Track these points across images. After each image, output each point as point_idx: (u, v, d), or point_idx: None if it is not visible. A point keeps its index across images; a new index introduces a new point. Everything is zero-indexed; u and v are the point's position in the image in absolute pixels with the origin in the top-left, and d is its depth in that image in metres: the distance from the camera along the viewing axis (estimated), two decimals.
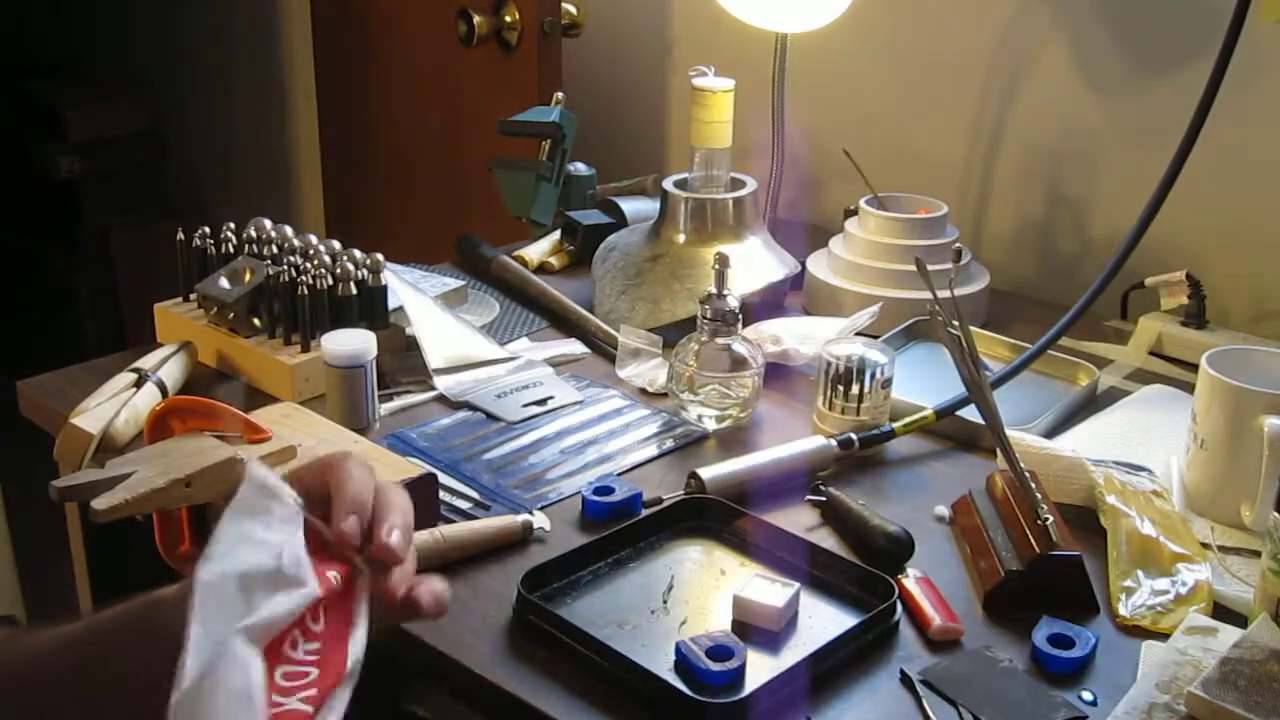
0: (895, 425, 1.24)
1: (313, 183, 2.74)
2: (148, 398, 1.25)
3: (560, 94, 1.75)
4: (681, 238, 1.52)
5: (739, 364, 1.27)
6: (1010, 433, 1.13)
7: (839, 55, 1.83)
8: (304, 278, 1.32)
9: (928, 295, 1.19)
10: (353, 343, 1.25)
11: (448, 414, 1.31)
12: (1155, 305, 1.52)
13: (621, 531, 1.07)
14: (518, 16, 2.00)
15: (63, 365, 1.38)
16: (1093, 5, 1.63)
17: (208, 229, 1.43)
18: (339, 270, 1.35)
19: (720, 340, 1.27)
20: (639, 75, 2.16)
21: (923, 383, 1.35)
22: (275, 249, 1.40)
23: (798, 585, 0.99)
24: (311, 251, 1.39)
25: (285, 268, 1.34)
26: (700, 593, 1.02)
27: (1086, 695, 0.91)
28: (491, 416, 1.30)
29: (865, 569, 1.02)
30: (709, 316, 1.27)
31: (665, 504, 1.12)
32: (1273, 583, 0.93)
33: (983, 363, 1.20)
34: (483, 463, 1.21)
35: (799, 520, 1.13)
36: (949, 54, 1.77)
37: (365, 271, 1.37)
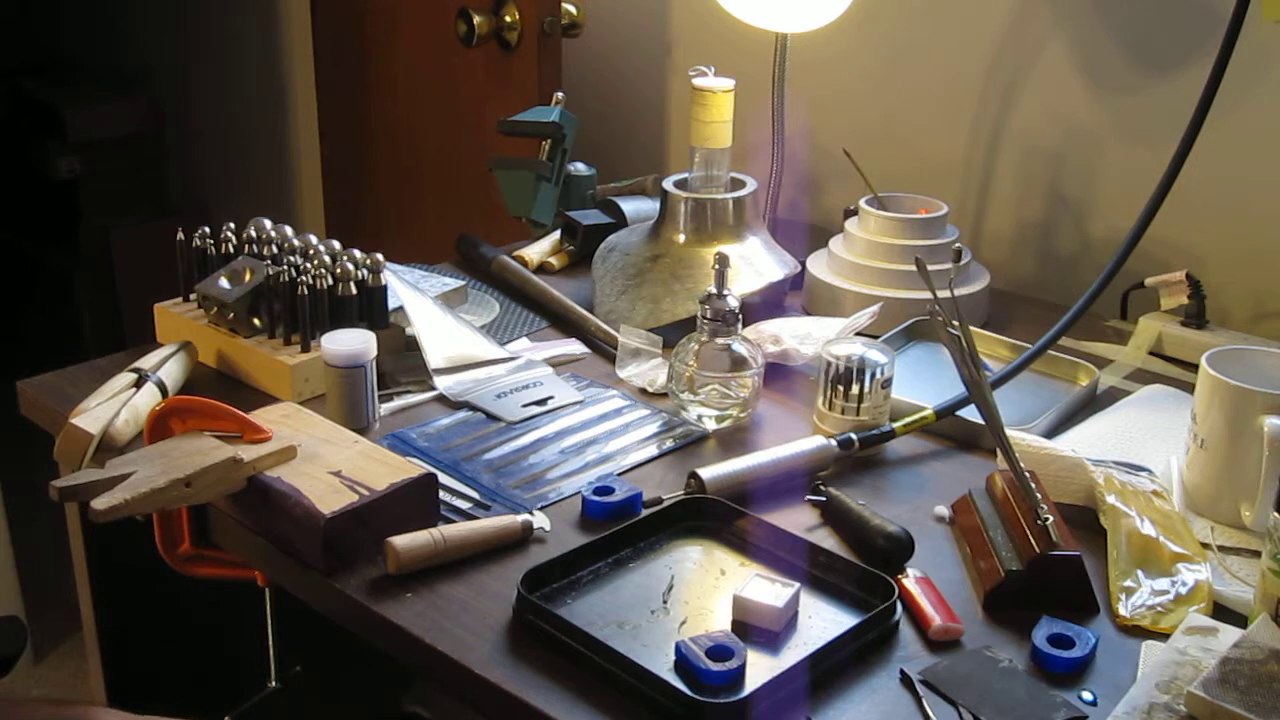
0: (895, 425, 1.24)
1: (313, 183, 2.74)
2: (148, 398, 1.25)
3: (560, 94, 1.75)
4: (681, 238, 1.52)
5: (739, 364, 1.27)
6: (1010, 433, 1.13)
7: (839, 55, 1.83)
8: (304, 278, 1.32)
9: (928, 295, 1.19)
10: (353, 343, 1.24)
11: (448, 414, 1.31)
12: (1155, 305, 1.52)
13: (621, 531, 1.07)
14: (518, 16, 2.01)
15: (63, 365, 1.38)
16: (1093, 5, 1.63)
17: (208, 229, 1.43)
18: (339, 270, 1.35)
19: (720, 340, 1.27)
20: (639, 75, 2.16)
21: (923, 383, 1.35)
22: (275, 249, 1.40)
23: (798, 585, 0.99)
24: (311, 251, 1.39)
25: (285, 268, 1.34)
26: (700, 593, 1.02)
27: (1086, 695, 0.91)
28: (491, 416, 1.30)
29: (865, 569, 1.02)
30: (709, 316, 1.27)
31: (665, 504, 1.12)
32: (1273, 583, 0.93)
33: (983, 363, 1.20)
34: (483, 463, 1.21)
35: (799, 520, 1.13)
36: (949, 54, 1.77)
37: (365, 271, 1.37)
